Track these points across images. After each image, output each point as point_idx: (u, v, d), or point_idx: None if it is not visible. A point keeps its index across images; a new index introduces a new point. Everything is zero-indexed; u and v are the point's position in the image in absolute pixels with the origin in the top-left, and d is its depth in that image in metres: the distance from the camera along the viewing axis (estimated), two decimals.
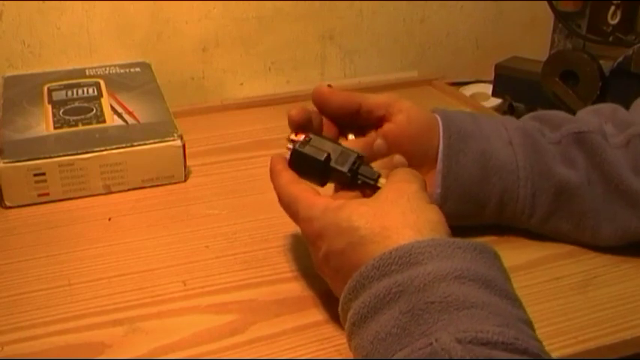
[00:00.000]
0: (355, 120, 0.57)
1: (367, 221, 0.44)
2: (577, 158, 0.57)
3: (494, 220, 0.60)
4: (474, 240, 0.43)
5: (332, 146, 0.52)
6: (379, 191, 0.47)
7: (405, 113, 0.56)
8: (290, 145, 0.53)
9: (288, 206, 0.50)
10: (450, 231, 0.45)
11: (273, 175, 0.52)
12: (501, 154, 0.57)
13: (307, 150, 0.52)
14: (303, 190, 0.50)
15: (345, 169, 0.51)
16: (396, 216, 0.44)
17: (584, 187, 0.57)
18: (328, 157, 0.51)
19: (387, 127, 0.56)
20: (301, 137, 0.53)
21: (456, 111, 0.61)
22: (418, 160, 0.57)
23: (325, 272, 0.48)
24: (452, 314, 0.38)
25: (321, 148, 0.52)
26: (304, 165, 0.52)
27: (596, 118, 0.60)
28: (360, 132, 0.57)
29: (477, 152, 0.57)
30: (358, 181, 0.51)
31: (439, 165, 0.57)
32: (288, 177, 0.51)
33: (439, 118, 0.58)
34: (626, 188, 0.56)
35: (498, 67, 0.92)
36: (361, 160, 0.51)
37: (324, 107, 0.56)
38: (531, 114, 0.62)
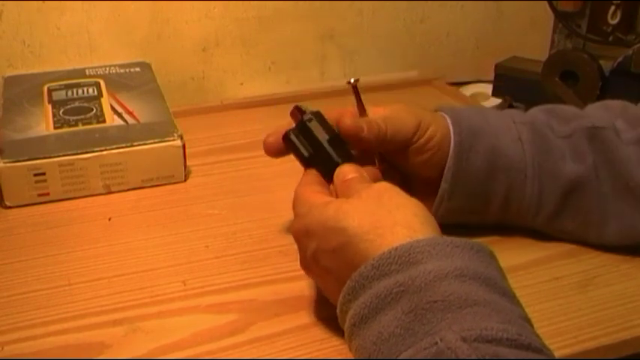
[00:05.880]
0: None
1: (354, 220, 0.44)
2: (586, 153, 0.57)
3: (500, 217, 0.59)
4: (472, 239, 0.43)
5: (326, 140, 0.53)
6: (358, 192, 0.47)
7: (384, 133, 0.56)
8: (296, 111, 0.55)
9: (293, 207, 0.51)
10: (437, 223, 0.45)
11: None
12: (510, 151, 0.57)
13: (297, 140, 0.54)
14: (306, 192, 0.50)
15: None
16: (384, 214, 0.44)
17: (591, 182, 0.56)
18: (312, 155, 0.53)
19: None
20: (308, 111, 0.54)
21: (463, 107, 0.61)
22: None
23: (314, 271, 0.48)
24: (455, 313, 0.38)
25: (312, 141, 0.53)
26: (291, 148, 0.54)
27: (607, 113, 0.59)
28: None
29: (487, 149, 0.57)
30: None
31: (449, 161, 0.56)
32: (304, 179, 0.52)
33: (447, 116, 0.58)
34: (636, 185, 0.55)
35: (498, 67, 0.92)
36: (350, 159, 0.52)
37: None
38: (541, 107, 0.61)
